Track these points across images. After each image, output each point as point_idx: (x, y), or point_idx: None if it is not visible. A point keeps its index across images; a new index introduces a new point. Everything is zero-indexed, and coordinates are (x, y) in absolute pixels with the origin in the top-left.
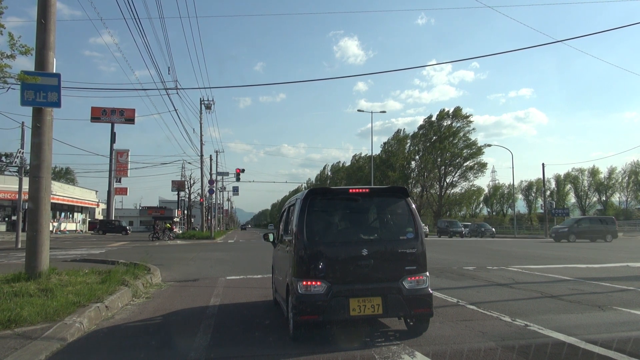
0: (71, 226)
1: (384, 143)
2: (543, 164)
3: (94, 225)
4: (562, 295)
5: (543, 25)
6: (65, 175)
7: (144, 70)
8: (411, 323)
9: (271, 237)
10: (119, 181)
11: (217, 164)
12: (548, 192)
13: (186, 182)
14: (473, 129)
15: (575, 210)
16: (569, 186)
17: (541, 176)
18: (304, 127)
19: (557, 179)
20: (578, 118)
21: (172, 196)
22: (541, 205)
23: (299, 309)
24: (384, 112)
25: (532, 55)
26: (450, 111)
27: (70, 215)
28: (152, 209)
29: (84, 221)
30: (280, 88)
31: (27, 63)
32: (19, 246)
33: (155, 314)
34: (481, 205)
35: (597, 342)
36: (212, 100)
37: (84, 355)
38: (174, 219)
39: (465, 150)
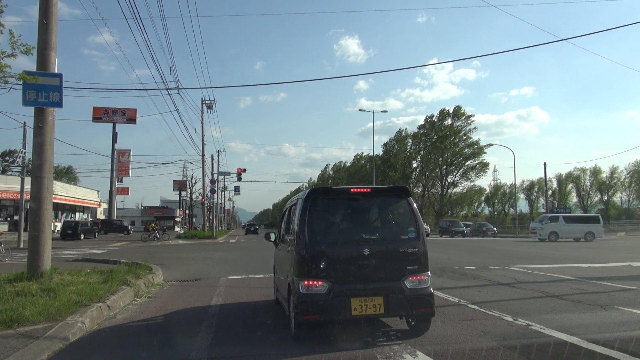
0: None
1: (385, 143)
2: (545, 164)
3: (95, 225)
4: (564, 294)
5: (544, 23)
6: (67, 175)
7: (144, 69)
8: (413, 323)
9: (272, 236)
10: (121, 181)
11: (218, 164)
12: (550, 192)
13: (188, 182)
14: (474, 128)
15: (577, 210)
16: (570, 186)
17: (543, 175)
18: (304, 126)
19: (559, 178)
20: (579, 117)
21: (174, 196)
22: (543, 204)
23: (301, 308)
24: (385, 111)
25: (534, 54)
26: (451, 110)
27: (72, 215)
28: (153, 208)
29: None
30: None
31: (28, 63)
32: (21, 246)
33: (157, 313)
34: (483, 205)
35: (599, 342)
36: (214, 100)
37: (86, 355)
38: (176, 219)
39: (466, 150)
